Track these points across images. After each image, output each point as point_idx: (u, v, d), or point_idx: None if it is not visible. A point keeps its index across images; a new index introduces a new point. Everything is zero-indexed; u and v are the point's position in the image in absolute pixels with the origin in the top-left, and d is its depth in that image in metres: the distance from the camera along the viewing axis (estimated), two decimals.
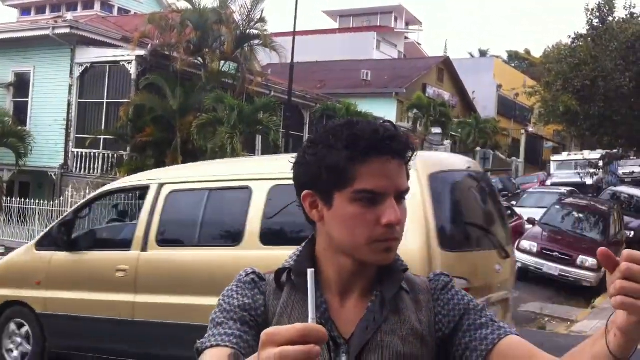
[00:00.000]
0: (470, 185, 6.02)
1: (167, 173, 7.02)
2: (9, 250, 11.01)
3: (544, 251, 14.43)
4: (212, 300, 4.94)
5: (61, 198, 17.05)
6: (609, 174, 27.24)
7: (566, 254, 14.21)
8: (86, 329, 6.39)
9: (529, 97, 27.95)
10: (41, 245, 6.88)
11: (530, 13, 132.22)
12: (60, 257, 6.62)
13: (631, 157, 26.29)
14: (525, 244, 14.81)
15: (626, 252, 1.02)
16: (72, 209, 7.35)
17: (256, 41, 19.99)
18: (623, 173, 27.74)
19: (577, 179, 25.44)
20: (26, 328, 6.83)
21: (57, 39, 18.92)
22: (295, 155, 1.36)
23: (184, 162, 15.98)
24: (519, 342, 1.29)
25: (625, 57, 19.25)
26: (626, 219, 18.25)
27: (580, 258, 13.99)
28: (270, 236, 5.48)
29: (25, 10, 36.79)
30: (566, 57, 21.18)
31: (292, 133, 22.31)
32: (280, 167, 5.74)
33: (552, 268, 14.17)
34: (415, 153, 1.31)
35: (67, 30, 18.68)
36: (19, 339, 6.91)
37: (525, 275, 14.85)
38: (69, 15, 21.09)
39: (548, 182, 27.64)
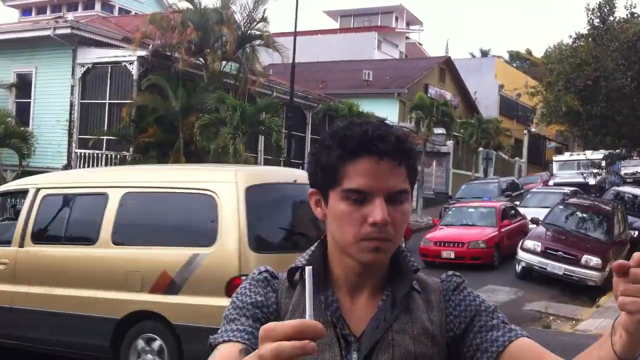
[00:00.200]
0: (290, 196, 6.68)
1: (45, 178, 7.88)
2: None
3: (548, 251, 14.42)
4: (68, 292, 5.67)
5: None
6: (611, 174, 27.19)
7: (571, 254, 14.19)
8: None
9: (531, 97, 27.88)
10: None
11: (531, 13, 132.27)
12: None
13: (634, 157, 26.21)
14: (529, 243, 14.80)
15: (637, 255, 1.03)
16: None
17: (258, 41, 19.97)
18: (626, 173, 27.71)
19: (580, 179, 25.41)
20: None
21: (58, 40, 18.96)
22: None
23: (187, 162, 15.96)
24: (530, 345, 1.30)
25: (626, 57, 19.19)
26: (630, 218, 18.28)
27: (585, 257, 13.98)
28: (120, 237, 6.42)
29: (26, 10, 36.89)
30: (567, 57, 21.10)
31: (294, 133, 22.32)
32: (132, 175, 7.21)
33: (556, 267, 14.16)
34: (415, 153, 1.33)
35: (68, 31, 18.72)
36: None
37: (530, 275, 14.85)
38: (70, 16, 21.09)
39: (551, 182, 27.62)
